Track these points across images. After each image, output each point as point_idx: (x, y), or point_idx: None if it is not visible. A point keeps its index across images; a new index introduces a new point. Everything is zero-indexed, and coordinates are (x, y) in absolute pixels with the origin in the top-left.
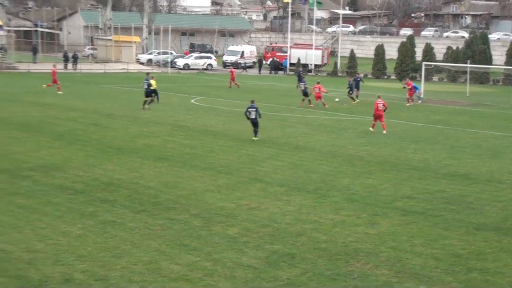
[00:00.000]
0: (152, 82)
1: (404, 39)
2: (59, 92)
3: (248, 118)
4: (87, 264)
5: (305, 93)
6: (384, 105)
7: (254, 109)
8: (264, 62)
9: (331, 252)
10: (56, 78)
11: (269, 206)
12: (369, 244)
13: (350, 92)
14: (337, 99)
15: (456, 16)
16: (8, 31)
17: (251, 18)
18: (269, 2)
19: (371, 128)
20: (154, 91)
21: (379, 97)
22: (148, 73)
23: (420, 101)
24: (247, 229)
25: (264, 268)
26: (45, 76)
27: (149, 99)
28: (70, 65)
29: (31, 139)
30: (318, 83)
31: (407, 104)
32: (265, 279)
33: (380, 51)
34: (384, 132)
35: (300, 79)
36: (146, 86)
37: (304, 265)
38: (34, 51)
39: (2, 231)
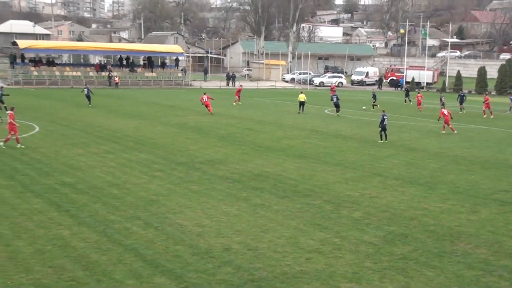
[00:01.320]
0: (301, 96)
1: (504, 62)
2: (234, 104)
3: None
4: (242, 237)
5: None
6: (449, 113)
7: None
8: (384, 80)
9: (438, 234)
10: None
11: (387, 195)
12: (470, 228)
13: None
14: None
15: None
16: (187, 56)
17: (375, 45)
18: (389, 33)
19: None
20: (302, 103)
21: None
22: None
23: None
24: (369, 213)
25: (382, 244)
26: (212, 90)
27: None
28: (231, 83)
29: (202, 140)
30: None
31: (484, 116)
32: (383, 254)
33: (482, 71)
34: (455, 132)
35: (407, 95)
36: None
37: (415, 243)
38: (205, 72)
39: (180, 210)
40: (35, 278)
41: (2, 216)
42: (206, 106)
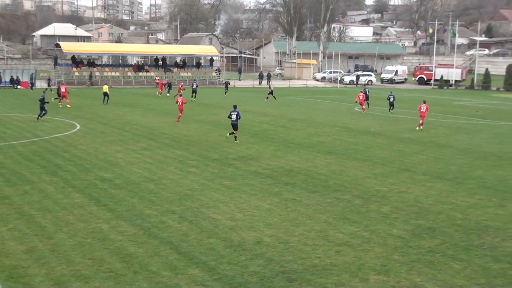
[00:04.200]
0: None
1: None
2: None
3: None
4: (273, 230)
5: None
6: (427, 108)
7: (236, 113)
8: (413, 78)
9: (466, 228)
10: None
11: (415, 190)
12: (498, 222)
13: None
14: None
15: None
16: (221, 57)
17: (404, 44)
18: (418, 32)
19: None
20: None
21: (424, 102)
22: None
23: None
24: (397, 208)
25: (410, 238)
26: (245, 89)
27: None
28: (264, 82)
29: None
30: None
31: None
32: (411, 247)
33: (511, 69)
34: (421, 128)
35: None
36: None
37: (442, 237)
38: (240, 71)
39: (213, 204)
40: (76, 269)
41: (46, 210)
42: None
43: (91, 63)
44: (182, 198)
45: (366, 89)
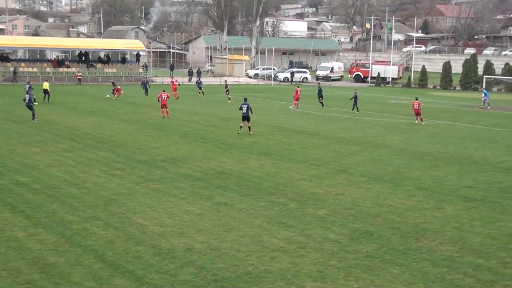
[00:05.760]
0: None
1: (468, 57)
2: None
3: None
4: (205, 236)
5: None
6: (419, 105)
7: (246, 105)
8: (350, 76)
9: (404, 231)
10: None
11: (352, 192)
12: (435, 225)
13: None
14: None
15: None
16: (149, 52)
17: (340, 40)
18: (355, 27)
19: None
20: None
21: (416, 99)
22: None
23: (489, 107)
24: (334, 211)
25: (348, 242)
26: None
27: None
28: (193, 78)
29: (163, 137)
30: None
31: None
32: (348, 252)
33: (447, 66)
34: (423, 123)
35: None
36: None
37: (380, 241)
38: (172, 68)
39: (141, 209)
40: None
41: None
42: (163, 106)
43: (4, 57)
44: (107, 203)
45: (320, 86)
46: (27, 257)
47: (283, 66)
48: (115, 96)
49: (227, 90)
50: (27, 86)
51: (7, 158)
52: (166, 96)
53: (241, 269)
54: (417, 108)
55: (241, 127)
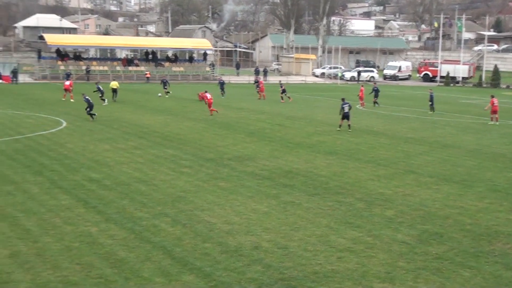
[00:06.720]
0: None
1: None
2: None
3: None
4: (271, 235)
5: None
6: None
7: (347, 105)
8: (418, 75)
9: (475, 233)
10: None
11: (420, 193)
12: (509, 228)
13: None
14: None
15: None
16: (215, 51)
17: (408, 39)
18: (423, 26)
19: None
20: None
21: (492, 96)
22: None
23: None
24: (402, 212)
25: (416, 244)
26: (242, 86)
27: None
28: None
29: (230, 136)
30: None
31: None
32: (417, 253)
33: None
34: (497, 123)
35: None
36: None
37: (450, 243)
38: (237, 66)
39: (208, 207)
40: (63, 275)
41: (30, 212)
42: (210, 105)
43: (77, 56)
44: (175, 200)
45: (377, 87)
46: (99, 252)
47: (349, 65)
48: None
49: (283, 90)
50: (97, 86)
51: (80, 155)
52: (210, 96)
53: (308, 268)
54: (496, 105)
55: (340, 125)
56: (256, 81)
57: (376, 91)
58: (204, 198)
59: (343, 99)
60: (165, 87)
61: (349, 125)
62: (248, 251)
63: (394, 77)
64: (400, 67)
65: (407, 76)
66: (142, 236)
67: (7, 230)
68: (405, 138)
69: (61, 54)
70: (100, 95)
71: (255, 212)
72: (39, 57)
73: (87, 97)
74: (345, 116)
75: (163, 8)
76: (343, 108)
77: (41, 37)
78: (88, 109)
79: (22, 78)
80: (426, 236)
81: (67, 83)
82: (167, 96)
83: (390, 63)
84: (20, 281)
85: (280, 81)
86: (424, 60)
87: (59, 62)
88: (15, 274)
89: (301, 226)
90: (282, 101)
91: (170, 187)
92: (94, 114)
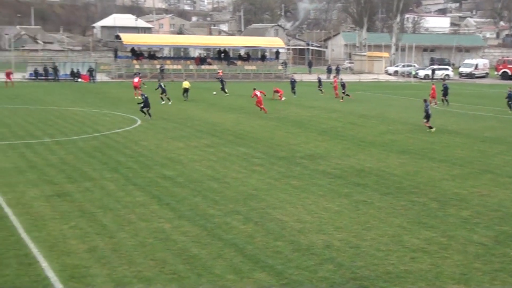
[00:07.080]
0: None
1: None
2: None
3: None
4: (343, 234)
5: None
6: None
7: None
8: (496, 73)
9: None
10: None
11: (498, 194)
12: None
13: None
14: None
15: None
16: (288, 49)
17: (485, 36)
18: (501, 23)
19: None
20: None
21: None
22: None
23: None
24: (478, 212)
25: (493, 245)
26: (314, 84)
27: None
28: (331, 76)
29: (302, 134)
30: None
31: None
32: (494, 255)
33: None
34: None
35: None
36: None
37: None
38: (310, 65)
39: (280, 205)
40: (138, 270)
41: (107, 208)
42: (258, 103)
43: (151, 55)
44: (247, 198)
45: (446, 84)
46: (172, 248)
47: (423, 63)
48: (278, 98)
49: (343, 88)
50: (159, 84)
51: (154, 152)
52: (260, 93)
53: (380, 268)
54: None
55: (431, 127)
56: (320, 81)
57: (445, 89)
58: (276, 196)
59: (425, 100)
60: (222, 86)
61: (430, 126)
62: (320, 250)
63: (470, 75)
64: (476, 65)
65: (484, 74)
66: (214, 233)
67: (85, 225)
68: (481, 137)
69: (136, 54)
70: (162, 92)
71: (326, 210)
72: (116, 56)
73: (145, 96)
74: (428, 117)
75: (236, 7)
76: (427, 109)
77: (118, 37)
78: (142, 106)
79: (99, 77)
80: (504, 238)
81: (136, 80)
82: (226, 94)
83: (466, 61)
84: (97, 276)
85: (341, 79)
86: (503, 57)
87: (134, 61)
88: (92, 269)
89: (373, 226)
90: (341, 100)
91: (242, 185)
92: (146, 114)
